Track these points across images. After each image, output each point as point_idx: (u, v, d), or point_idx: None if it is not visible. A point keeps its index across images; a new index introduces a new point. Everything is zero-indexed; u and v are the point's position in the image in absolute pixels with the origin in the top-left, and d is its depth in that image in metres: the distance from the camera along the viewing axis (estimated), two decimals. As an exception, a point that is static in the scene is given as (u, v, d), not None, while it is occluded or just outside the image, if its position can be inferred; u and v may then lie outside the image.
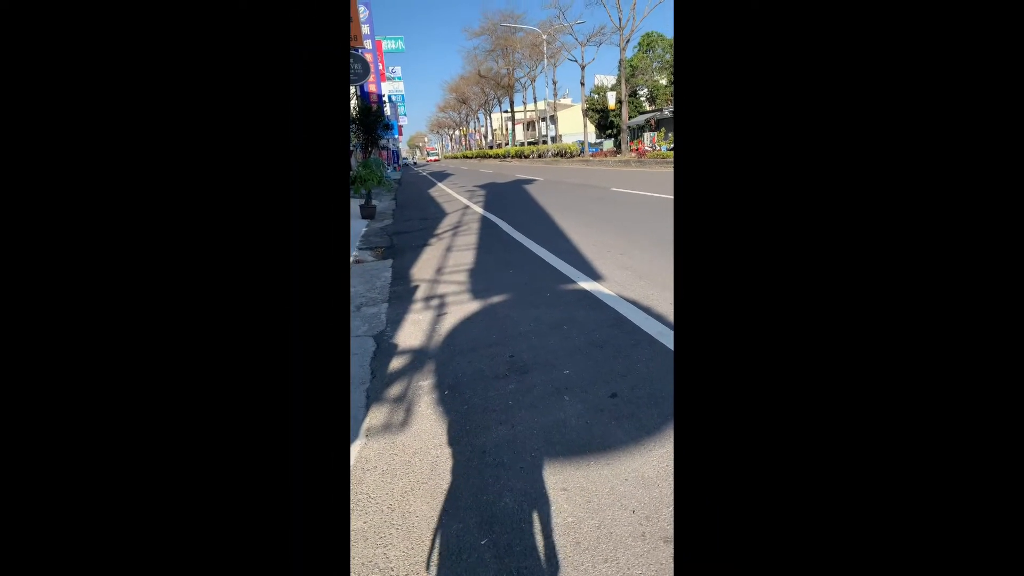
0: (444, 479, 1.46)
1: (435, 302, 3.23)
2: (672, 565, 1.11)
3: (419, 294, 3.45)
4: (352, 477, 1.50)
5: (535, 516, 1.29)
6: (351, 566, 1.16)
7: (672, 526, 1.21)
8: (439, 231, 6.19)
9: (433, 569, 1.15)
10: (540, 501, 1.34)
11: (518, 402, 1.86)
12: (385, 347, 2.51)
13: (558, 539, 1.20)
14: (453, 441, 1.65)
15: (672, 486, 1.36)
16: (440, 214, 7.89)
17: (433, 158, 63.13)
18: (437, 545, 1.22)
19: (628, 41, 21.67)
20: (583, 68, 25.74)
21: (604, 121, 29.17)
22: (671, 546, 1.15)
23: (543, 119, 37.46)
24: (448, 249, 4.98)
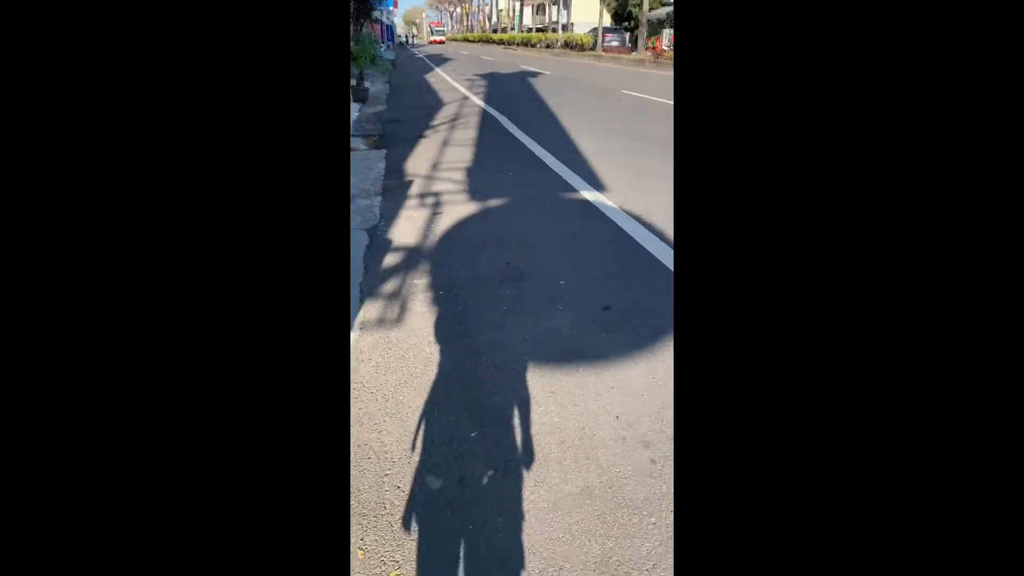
0: (437, 375, 1.51)
1: (430, 200, 3.13)
2: (650, 466, 1.20)
3: (414, 190, 3.32)
4: (347, 367, 1.55)
5: (524, 415, 1.35)
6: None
7: (651, 432, 1.29)
8: (435, 123, 5.83)
9: (424, 454, 1.22)
10: (529, 402, 1.40)
11: (512, 308, 1.88)
12: (379, 242, 2.46)
13: (544, 438, 1.28)
14: (446, 340, 1.69)
15: (655, 396, 1.43)
16: (437, 104, 7.37)
17: (438, 38, 46.19)
18: (429, 433, 1.29)
19: (661, -88, 18.79)
20: (606, -58, 22.62)
21: (622, 10, 26.35)
22: (650, 451, 1.23)
23: (555, 3, 33.73)
24: (445, 143, 4.72)
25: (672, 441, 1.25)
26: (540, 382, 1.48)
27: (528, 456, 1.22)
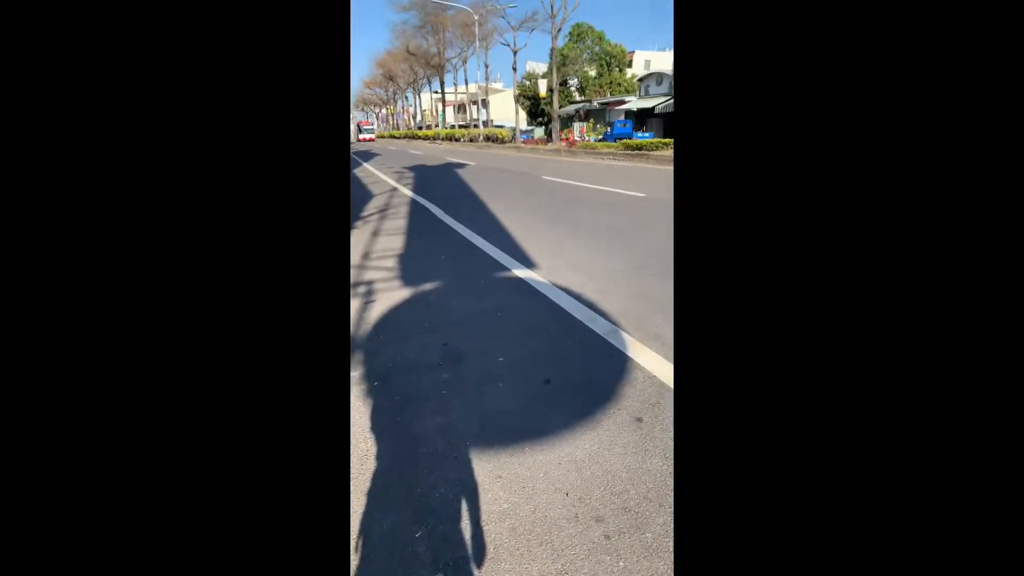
0: (375, 472, 1.41)
1: (362, 288, 3.10)
2: (604, 543, 1.16)
3: (345, 280, 3.28)
4: (274, 476, 1.41)
5: (470, 505, 1.28)
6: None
7: (602, 505, 1.27)
8: (365, 213, 5.92)
9: (364, 564, 1.11)
10: (475, 490, 1.34)
11: (452, 391, 1.84)
12: (309, 336, 2.36)
13: (493, 526, 1.21)
14: (384, 433, 1.60)
15: (603, 466, 1.42)
16: (366, 196, 7.55)
17: (368, 136, 43.24)
18: (369, 539, 1.17)
19: (560, 30, 21.86)
20: (515, 53, 25.64)
21: (535, 109, 29.37)
22: (603, 525, 1.20)
23: (474, 102, 36.90)
24: (375, 233, 4.78)
25: (624, 511, 1.23)
26: (486, 467, 1.43)
27: (479, 551, 1.14)
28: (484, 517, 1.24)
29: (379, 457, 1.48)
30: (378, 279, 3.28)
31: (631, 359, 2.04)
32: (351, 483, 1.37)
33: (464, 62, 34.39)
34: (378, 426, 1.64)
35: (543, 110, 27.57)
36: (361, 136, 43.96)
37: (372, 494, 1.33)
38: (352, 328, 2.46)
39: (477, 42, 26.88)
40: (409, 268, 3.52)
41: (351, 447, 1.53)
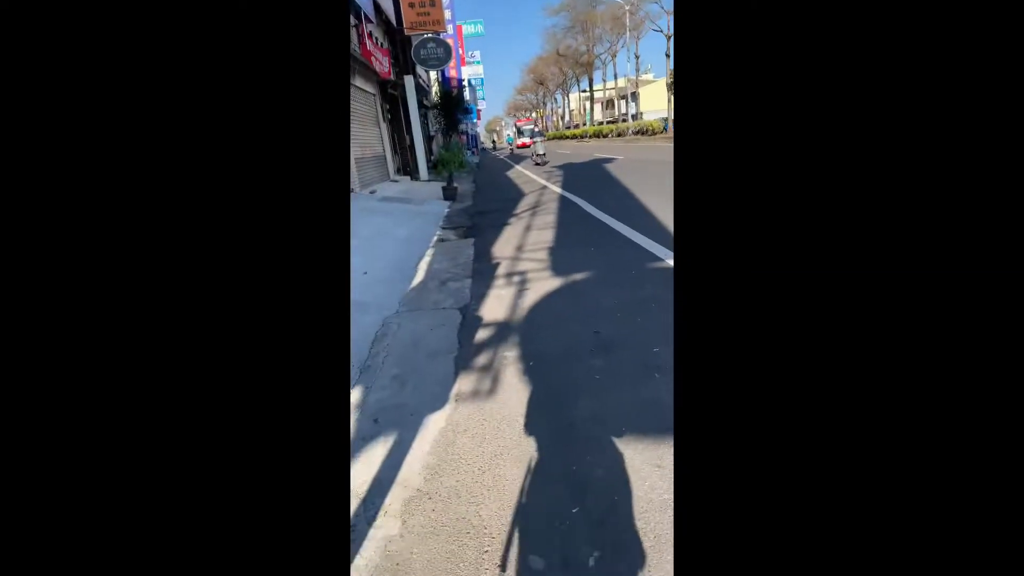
0: (533, 448, 1.47)
1: (516, 278, 3.24)
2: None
3: (501, 271, 3.48)
4: (443, 439, 1.56)
5: (629, 491, 1.25)
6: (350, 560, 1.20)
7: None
8: (518, 211, 6.20)
9: (525, 531, 1.15)
10: (633, 476, 1.29)
11: (606, 378, 1.82)
12: (470, 319, 2.56)
13: (654, 515, 1.16)
14: (540, 412, 1.65)
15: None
16: (518, 195, 7.90)
17: (525, 140, 30.79)
18: (527, 508, 1.22)
19: (720, 6, 20.01)
20: (668, 39, 24.28)
21: (690, 95, 27.35)
22: (783, 534, 1.06)
23: (623, 97, 35.93)
24: (527, 228, 4.97)
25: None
26: (644, 455, 1.37)
27: (637, 536, 1.10)
28: (643, 504, 1.19)
29: (535, 434, 1.53)
30: (530, 269, 3.41)
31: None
32: (512, 455, 1.45)
33: (613, 56, 33.71)
34: (534, 405, 1.70)
35: (699, 96, 25.50)
36: (521, 141, 32.97)
37: (529, 467, 1.38)
38: (508, 313, 2.60)
39: (628, 33, 26.11)
40: (559, 259, 3.58)
41: (510, 421, 1.61)
